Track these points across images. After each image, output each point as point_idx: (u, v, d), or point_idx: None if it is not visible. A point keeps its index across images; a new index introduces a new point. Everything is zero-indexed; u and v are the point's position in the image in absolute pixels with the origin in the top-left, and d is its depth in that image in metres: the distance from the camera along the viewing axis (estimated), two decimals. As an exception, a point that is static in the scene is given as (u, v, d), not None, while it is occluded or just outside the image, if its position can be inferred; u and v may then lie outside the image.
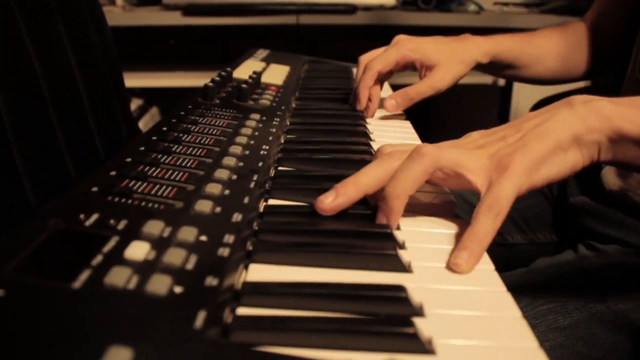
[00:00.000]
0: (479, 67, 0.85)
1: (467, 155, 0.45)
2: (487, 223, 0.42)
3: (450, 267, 0.40)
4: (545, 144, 0.44)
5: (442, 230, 0.45)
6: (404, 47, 0.79)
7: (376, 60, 0.79)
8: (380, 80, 0.80)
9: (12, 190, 0.49)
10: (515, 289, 0.63)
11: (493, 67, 0.87)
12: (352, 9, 1.58)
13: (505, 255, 0.88)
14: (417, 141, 0.72)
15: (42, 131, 0.55)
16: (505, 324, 0.33)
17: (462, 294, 0.36)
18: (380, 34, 1.65)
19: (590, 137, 0.45)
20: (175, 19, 1.55)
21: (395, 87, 0.85)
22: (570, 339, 0.59)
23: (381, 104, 0.80)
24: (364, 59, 0.83)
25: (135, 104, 1.60)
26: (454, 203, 0.50)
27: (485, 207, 0.42)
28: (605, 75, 0.98)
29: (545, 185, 0.45)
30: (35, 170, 0.52)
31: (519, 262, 0.74)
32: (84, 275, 0.30)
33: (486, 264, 0.40)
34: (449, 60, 0.80)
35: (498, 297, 0.36)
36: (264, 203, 0.48)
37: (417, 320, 0.32)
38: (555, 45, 0.89)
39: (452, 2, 1.68)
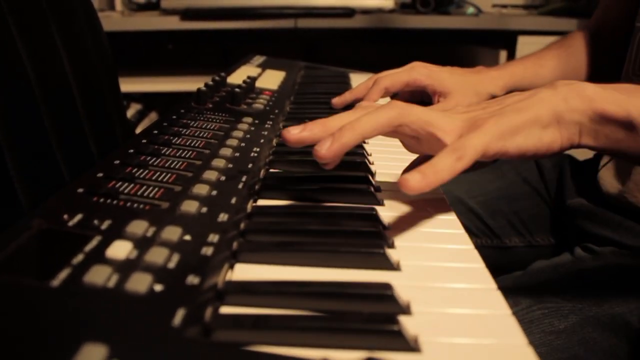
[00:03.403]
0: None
1: (440, 115, 0.45)
2: (448, 160, 0.41)
3: (399, 181, 0.40)
4: (522, 115, 0.44)
5: (432, 229, 0.45)
6: (417, 71, 0.79)
7: (386, 77, 0.79)
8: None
9: (3, 194, 0.49)
10: (512, 292, 0.62)
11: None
12: (350, 12, 1.58)
13: (503, 258, 0.87)
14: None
15: (34, 135, 0.55)
16: (494, 322, 0.33)
17: (450, 292, 0.36)
18: (378, 37, 1.65)
19: (571, 117, 0.45)
20: (173, 23, 1.56)
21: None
22: (567, 342, 0.58)
23: None
24: (376, 75, 0.83)
25: (134, 108, 1.61)
26: (445, 200, 0.49)
27: (450, 148, 0.42)
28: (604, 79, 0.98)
29: (520, 157, 0.45)
30: (28, 174, 0.51)
31: (517, 265, 0.74)
32: (63, 273, 0.29)
33: (476, 262, 0.40)
34: (464, 90, 0.79)
35: (487, 295, 0.36)
36: (253, 204, 0.47)
37: (403, 318, 0.31)
38: (563, 65, 0.88)
39: (451, 4, 1.68)
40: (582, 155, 0.93)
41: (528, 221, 0.87)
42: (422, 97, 0.82)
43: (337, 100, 0.82)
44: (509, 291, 0.37)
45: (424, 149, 0.46)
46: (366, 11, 1.63)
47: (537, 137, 0.44)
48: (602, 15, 0.91)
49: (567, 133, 0.45)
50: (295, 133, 0.45)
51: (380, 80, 0.78)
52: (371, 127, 0.44)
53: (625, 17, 0.83)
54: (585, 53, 0.88)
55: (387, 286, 0.34)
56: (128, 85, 1.57)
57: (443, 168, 0.41)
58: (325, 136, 0.44)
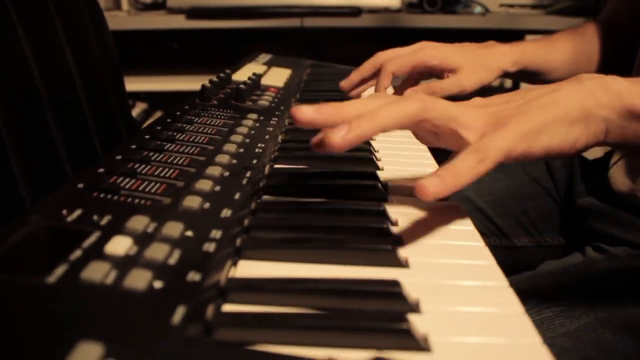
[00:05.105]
0: (504, 75, 0.83)
1: (463, 110, 0.42)
2: (469, 163, 0.39)
3: (415, 187, 0.37)
4: (550, 112, 0.41)
5: (441, 226, 0.44)
6: (424, 52, 0.77)
7: (392, 61, 0.77)
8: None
9: (7, 192, 0.48)
10: (522, 293, 0.61)
11: (518, 74, 0.85)
12: (357, 12, 1.57)
13: (512, 258, 0.86)
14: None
15: (38, 133, 0.54)
16: (507, 320, 0.32)
17: (461, 290, 0.35)
18: (385, 37, 1.64)
19: (599, 113, 0.42)
20: (179, 22, 1.55)
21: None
22: (578, 343, 0.57)
23: None
24: (382, 54, 0.81)
25: (139, 107, 1.60)
26: (453, 198, 0.48)
27: (472, 149, 0.39)
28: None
29: (543, 157, 0.42)
30: (32, 173, 0.51)
31: (526, 265, 0.73)
32: (60, 270, 0.28)
33: (487, 259, 0.38)
34: (474, 65, 0.78)
35: (499, 293, 0.34)
36: (257, 200, 0.46)
37: (412, 317, 0.30)
38: (576, 49, 0.87)
39: (458, 4, 1.67)
40: (592, 154, 0.91)
41: (537, 221, 0.86)
42: (431, 75, 0.80)
43: (344, 84, 0.81)
44: (518, 291, 0.36)
45: (441, 143, 0.44)
46: (373, 10, 1.62)
47: (562, 135, 0.42)
48: (613, 9, 0.89)
49: (593, 130, 0.43)
50: (308, 113, 0.39)
51: (386, 66, 0.77)
52: (392, 120, 0.40)
53: (635, 11, 0.82)
54: (597, 42, 0.87)
55: (395, 283, 0.32)
56: (134, 85, 1.57)
57: (463, 171, 0.39)
58: (339, 122, 0.39)
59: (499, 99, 0.45)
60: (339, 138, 0.38)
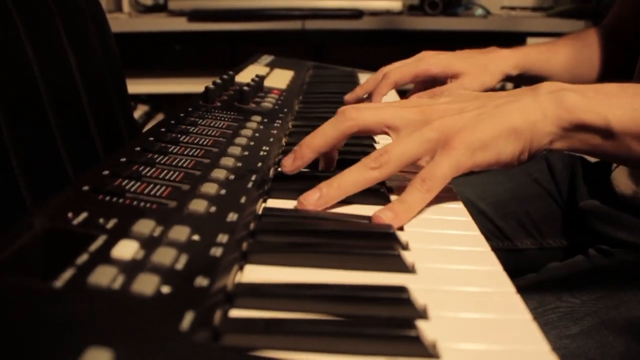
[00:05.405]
0: (506, 78, 0.84)
1: (393, 113, 0.47)
2: (417, 195, 0.44)
3: (373, 219, 0.42)
4: (495, 126, 0.45)
5: (446, 231, 0.43)
6: (425, 61, 0.78)
7: (395, 70, 0.77)
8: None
9: (8, 194, 0.48)
10: (525, 296, 0.61)
11: (520, 78, 0.85)
12: (358, 14, 1.57)
13: (515, 261, 0.86)
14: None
15: (39, 134, 0.54)
16: (514, 327, 0.31)
17: (468, 296, 0.35)
18: (386, 39, 1.64)
19: (545, 128, 0.45)
20: (181, 24, 1.55)
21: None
22: (583, 346, 0.57)
23: None
24: (385, 68, 0.82)
25: (141, 110, 1.60)
26: (459, 202, 0.48)
27: (419, 180, 0.44)
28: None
29: (488, 169, 0.46)
30: (33, 175, 0.51)
31: (529, 268, 0.72)
32: (67, 274, 0.28)
33: (493, 265, 0.38)
34: (476, 69, 0.78)
35: (506, 299, 0.34)
36: (263, 204, 0.46)
37: (420, 323, 0.30)
38: (578, 54, 0.87)
39: (459, 6, 1.67)
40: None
41: (540, 223, 0.86)
42: (434, 84, 0.81)
43: (349, 97, 0.81)
44: (522, 294, 0.36)
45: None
46: (374, 13, 1.62)
47: (508, 149, 0.45)
48: (616, 15, 0.89)
49: (537, 143, 0.45)
50: (290, 164, 0.48)
51: (389, 74, 0.77)
52: (325, 141, 0.48)
53: (638, 16, 0.82)
54: (598, 48, 0.87)
55: (402, 289, 0.32)
56: (136, 87, 1.56)
57: (413, 205, 0.44)
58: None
59: (460, 103, 0.48)
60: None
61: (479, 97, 0.49)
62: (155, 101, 1.71)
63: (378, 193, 0.47)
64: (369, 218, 0.43)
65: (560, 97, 0.45)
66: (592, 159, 0.89)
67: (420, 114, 0.47)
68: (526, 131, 0.45)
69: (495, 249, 0.88)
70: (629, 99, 0.46)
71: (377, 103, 0.50)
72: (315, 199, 0.44)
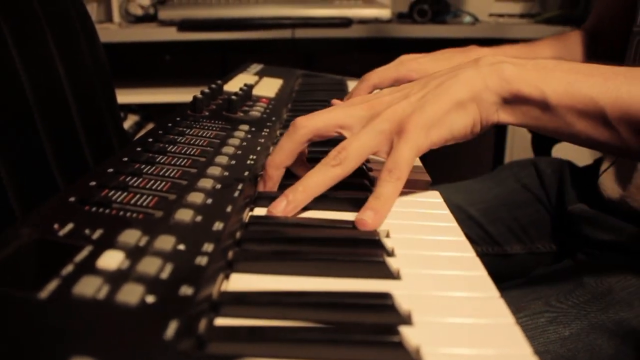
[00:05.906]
0: None
1: (343, 114, 0.49)
2: (389, 187, 0.45)
3: (356, 223, 0.43)
4: (442, 103, 0.46)
5: (432, 237, 0.44)
6: (405, 66, 0.78)
7: (374, 73, 0.78)
8: None
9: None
10: (515, 299, 0.61)
11: None
12: (347, 23, 1.58)
13: (504, 265, 0.86)
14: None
15: (29, 144, 0.54)
16: (497, 331, 0.32)
17: (452, 301, 0.35)
18: (376, 47, 1.64)
19: (487, 97, 0.47)
20: (171, 34, 1.56)
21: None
22: (572, 350, 0.57)
23: None
24: (366, 75, 0.82)
25: (131, 120, 1.60)
26: (446, 207, 0.49)
27: (386, 172, 0.45)
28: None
29: (447, 143, 0.48)
30: (22, 185, 0.51)
31: (518, 272, 0.73)
32: (52, 285, 0.28)
33: (478, 270, 0.39)
34: None
35: (490, 303, 0.35)
36: (250, 213, 0.46)
37: (404, 329, 0.30)
38: (557, 55, 0.88)
39: (448, 14, 1.68)
40: (582, 161, 0.92)
41: (529, 228, 0.86)
42: None
43: (334, 102, 0.81)
44: (511, 298, 0.36)
45: None
46: (363, 21, 1.62)
47: (459, 122, 0.47)
48: (598, 17, 0.90)
49: (485, 113, 0.48)
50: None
51: (368, 76, 0.78)
52: (287, 155, 0.50)
53: (621, 21, 0.83)
54: (579, 49, 0.88)
55: (387, 296, 0.33)
56: (126, 97, 1.56)
57: (388, 195, 0.45)
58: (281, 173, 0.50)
59: (401, 91, 0.50)
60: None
61: (420, 80, 0.51)
62: (146, 111, 1.70)
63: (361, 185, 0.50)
64: (352, 223, 0.44)
65: (500, 68, 0.47)
66: (580, 163, 0.90)
67: (369, 109, 0.49)
68: (472, 102, 0.47)
69: (485, 254, 0.89)
70: (564, 74, 0.47)
71: (327, 108, 0.51)
72: (283, 207, 0.45)
